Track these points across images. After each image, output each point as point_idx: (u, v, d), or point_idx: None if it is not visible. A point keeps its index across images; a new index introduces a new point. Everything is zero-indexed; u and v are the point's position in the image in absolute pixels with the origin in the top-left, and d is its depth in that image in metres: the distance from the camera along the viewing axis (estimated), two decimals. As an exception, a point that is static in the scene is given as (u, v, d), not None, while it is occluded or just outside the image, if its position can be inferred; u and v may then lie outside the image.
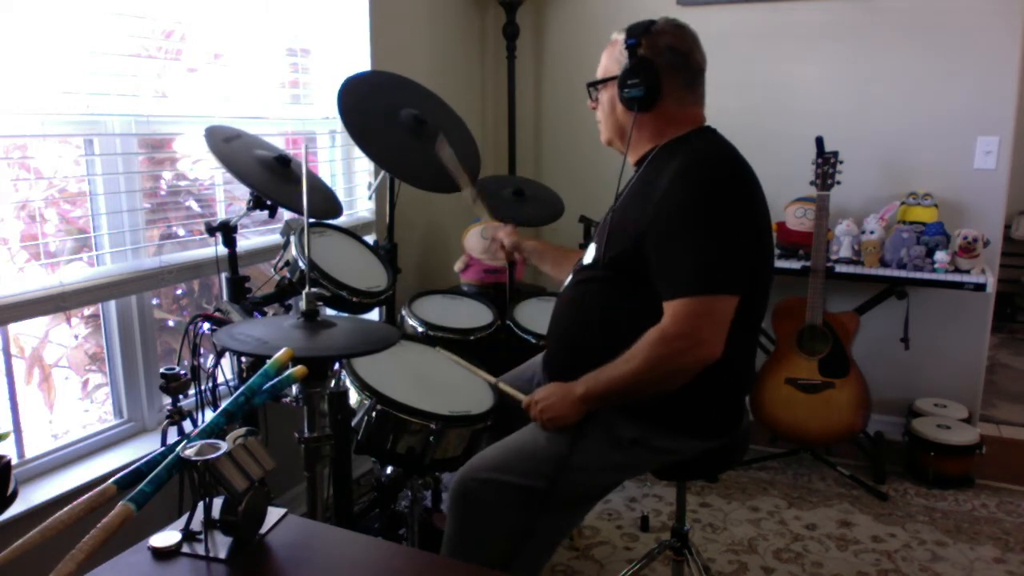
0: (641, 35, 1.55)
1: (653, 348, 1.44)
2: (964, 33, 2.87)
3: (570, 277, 1.73)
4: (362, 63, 2.66)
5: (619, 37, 1.61)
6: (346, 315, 1.88)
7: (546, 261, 2.02)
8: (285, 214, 2.17)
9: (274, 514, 1.08)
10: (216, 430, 1.04)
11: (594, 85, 1.67)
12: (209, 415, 1.49)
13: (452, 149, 2.08)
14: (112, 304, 1.96)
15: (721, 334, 1.43)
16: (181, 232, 2.22)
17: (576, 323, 1.64)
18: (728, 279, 1.44)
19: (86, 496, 0.90)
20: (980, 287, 2.66)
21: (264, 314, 1.87)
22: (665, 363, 1.44)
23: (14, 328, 1.81)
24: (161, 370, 1.60)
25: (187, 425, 1.62)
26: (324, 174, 2.69)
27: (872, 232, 2.85)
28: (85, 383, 2.11)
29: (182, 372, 1.61)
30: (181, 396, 1.62)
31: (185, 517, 1.04)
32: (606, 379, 1.50)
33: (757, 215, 1.55)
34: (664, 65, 1.54)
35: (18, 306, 1.66)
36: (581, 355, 1.59)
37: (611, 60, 1.62)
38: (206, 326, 1.76)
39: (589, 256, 1.66)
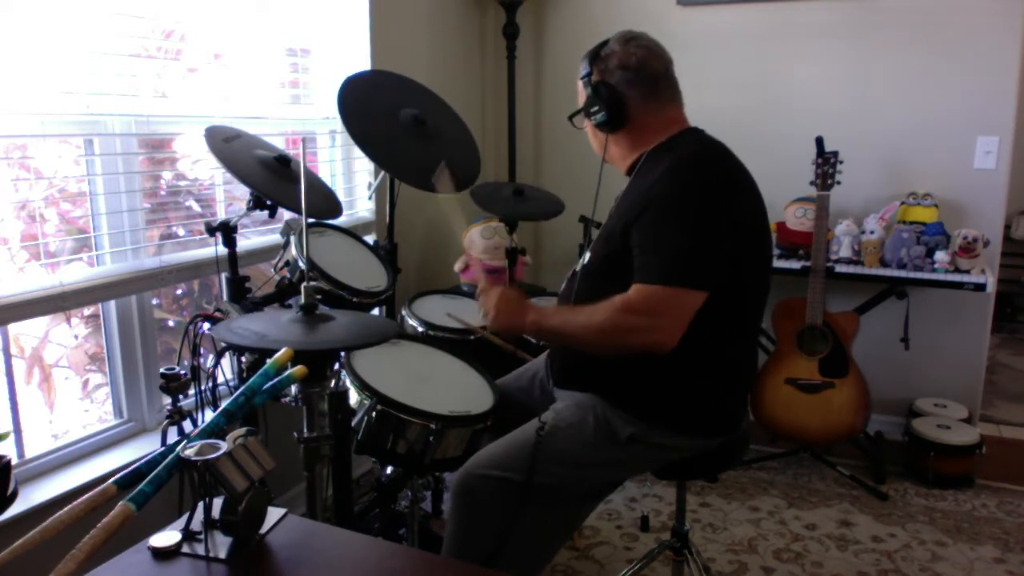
0: (592, 62, 1.63)
1: (615, 314, 1.46)
2: (964, 33, 2.87)
3: (565, 282, 1.74)
4: (362, 63, 2.66)
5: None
6: (346, 315, 1.88)
7: None
8: (285, 214, 2.17)
9: (274, 514, 1.08)
10: (216, 430, 1.04)
11: (573, 117, 1.73)
12: (209, 415, 1.49)
13: (451, 180, 2.02)
14: (112, 304, 1.96)
15: (680, 326, 1.44)
16: (181, 232, 2.22)
17: None
18: (697, 274, 1.46)
19: (86, 496, 0.90)
20: (980, 287, 2.66)
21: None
22: (618, 334, 1.47)
23: (14, 328, 1.81)
24: (161, 370, 1.60)
25: (187, 425, 1.62)
26: (324, 174, 2.69)
27: (872, 232, 2.85)
28: (85, 383, 2.11)
29: (182, 372, 1.61)
30: (181, 396, 1.62)
31: (185, 517, 1.04)
32: (559, 320, 1.56)
33: (745, 214, 1.55)
34: (620, 83, 1.59)
35: (18, 306, 1.66)
36: (581, 354, 1.60)
37: (581, 88, 1.68)
38: (206, 326, 1.76)
39: (584, 261, 1.68)
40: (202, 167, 2.28)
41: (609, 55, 1.61)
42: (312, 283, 1.39)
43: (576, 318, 1.52)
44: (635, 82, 1.60)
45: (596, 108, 1.61)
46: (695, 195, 1.49)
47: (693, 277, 1.45)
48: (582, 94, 1.68)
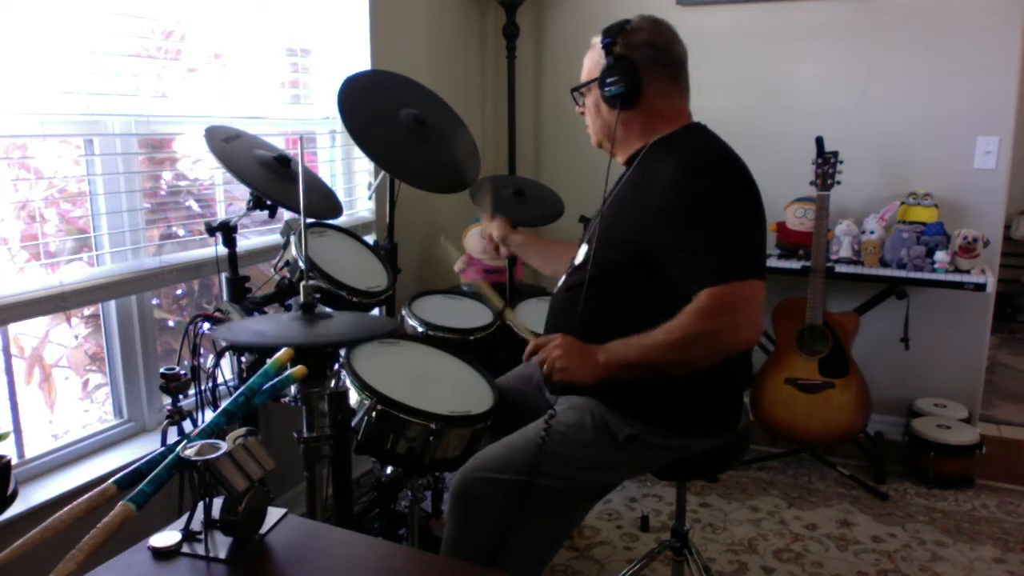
0: (617, 34, 1.57)
1: (696, 323, 1.41)
2: (964, 33, 2.87)
3: (563, 279, 1.74)
4: (362, 63, 2.66)
5: (597, 40, 1.62)
6: (346, 315, 1.88)
7: (531, 254, 2.03)
8: (285, 214, 2.17)
9: (274, 514, 1.08)
10: (216, 430, 1.04)
11: (578, 89, 1.68)
12: (209, 415, 1.49)
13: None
14: (112, 304, 1.96)
15: (757, 317, 1.45)
16: (181, 232, 2.22)
17: (570, 326, 1.64)
18: (752, 264, 1.47)
19: (86, 496, 0.90)
20: (980, 287, 2.66)
21: (264, 314, 1.87)
22: (704, 341, 1.42)
23: (14, 328, 1.81)
24: (161, 370, 1.60)
25: (187, 425, 1.62)
26: (324, 174, 2.69)
27: (872, 232, 2.85)
28: (85, 383, 2.11)
29: (182, 372, 1.61)
30: (181, 396, 1.62)
31: (185, 517, 1.04)
32: (635, 350, 1.46)
33: (756, 213, 1.55)
34: (643, 60, 1.55)
35: (18, 306, 1.66)
36: None
37: (592, 63, 1.63)
38: (206, 326, 1.76)
39: (580, 257, 1.67)
40: (202, 167, 2.28)
41: (636, 30, 1.56)
42: (311, 282, 1.39)
43: (654, 339, 1.45)
44: (659, 63, 1.57)
45: (614, 79, 1.55)
46: (717, 197, 1.48)
47: (750, 268, 1.46)
48: (592, 69, 1.63)
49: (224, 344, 1.66)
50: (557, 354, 1.51)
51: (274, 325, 1.32)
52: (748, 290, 1.44)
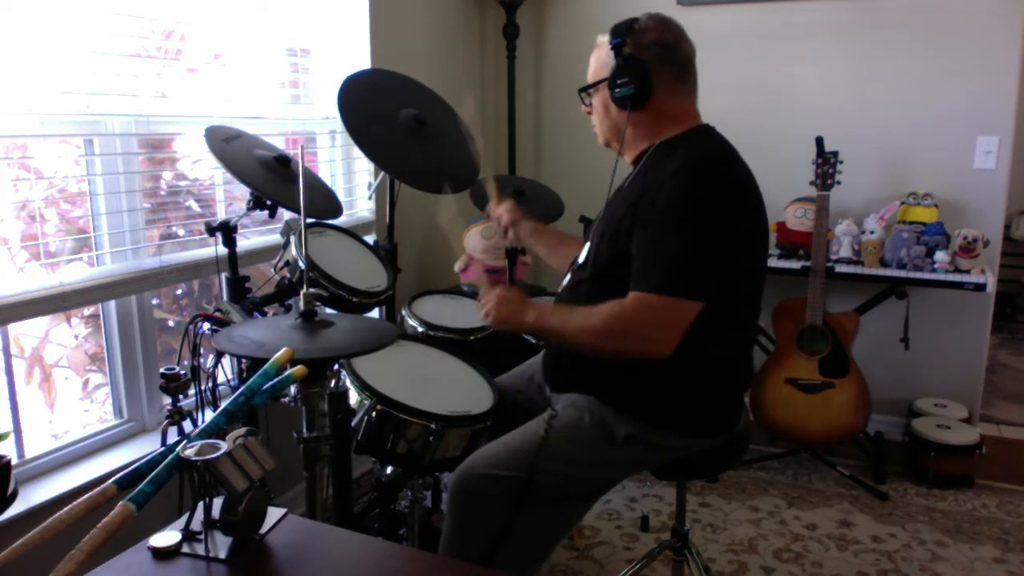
0: (625, 34, 1.56)
1: (610, 319, 1.47)
2: (964, 33, 2.87)
3: (567, 278, 1.74)
4: (362, 63, 2.66)
5: (604, 39, 1.61)
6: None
7: (541, 244, 2.02)
8: (285, 214, 2.17)
9: (274, 514, 1.08)
10: (216, 430, 1.04)
11: (586, 90, 1.67)
12: (209, 415, 1.49)
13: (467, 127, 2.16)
14: (112, 304, 1.96)
15: (675, 335, 1.44)
16: (181, 232, 2.22)
17: None
18: (693, 285, 1.45)
19: (86, 496, 0.90)
20: (980, 287, 2.66)
21: (264, 314, 1.87)
22: (613, 339, 1.47)
23: (14, 328, 1.81)
24: (161, 370, 1.60)
25: (187, 425, 1.62)
26: (324, 174, 2.69)
27: (872, 232, 2.85)
28: (85, 383, 2.11)
29: (182, 372, 1.61)
30: (181, 396, 1.62)
31: (185, 517, 1.04)
32: (558, 320, 1.55)
33: (748, 220, 1.54)
34: (652, 60, 1.54)
35: (18, 306, 1.66)
36: (576, 357, 1.60)
37: (599, 63, 1.62)
38: (206, 326, 1.76)
39: (583, 255, 1.67)
40: (202, 167, 2.28)
41: (645, 30, 1.55)
42: (312, 290, 1.39)
43: (574, 319, 1.51)
44: (668, 62, 1.56)
45: (625, 80, 1.54)
46: (696, 203, 1.47)
47: (690, 288, 1.44)
48: (598, 69, 1.62)
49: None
50: (491, 304, 1.60)
51: (275, 334, 1.32)
52: (676, 308, 1.44)
